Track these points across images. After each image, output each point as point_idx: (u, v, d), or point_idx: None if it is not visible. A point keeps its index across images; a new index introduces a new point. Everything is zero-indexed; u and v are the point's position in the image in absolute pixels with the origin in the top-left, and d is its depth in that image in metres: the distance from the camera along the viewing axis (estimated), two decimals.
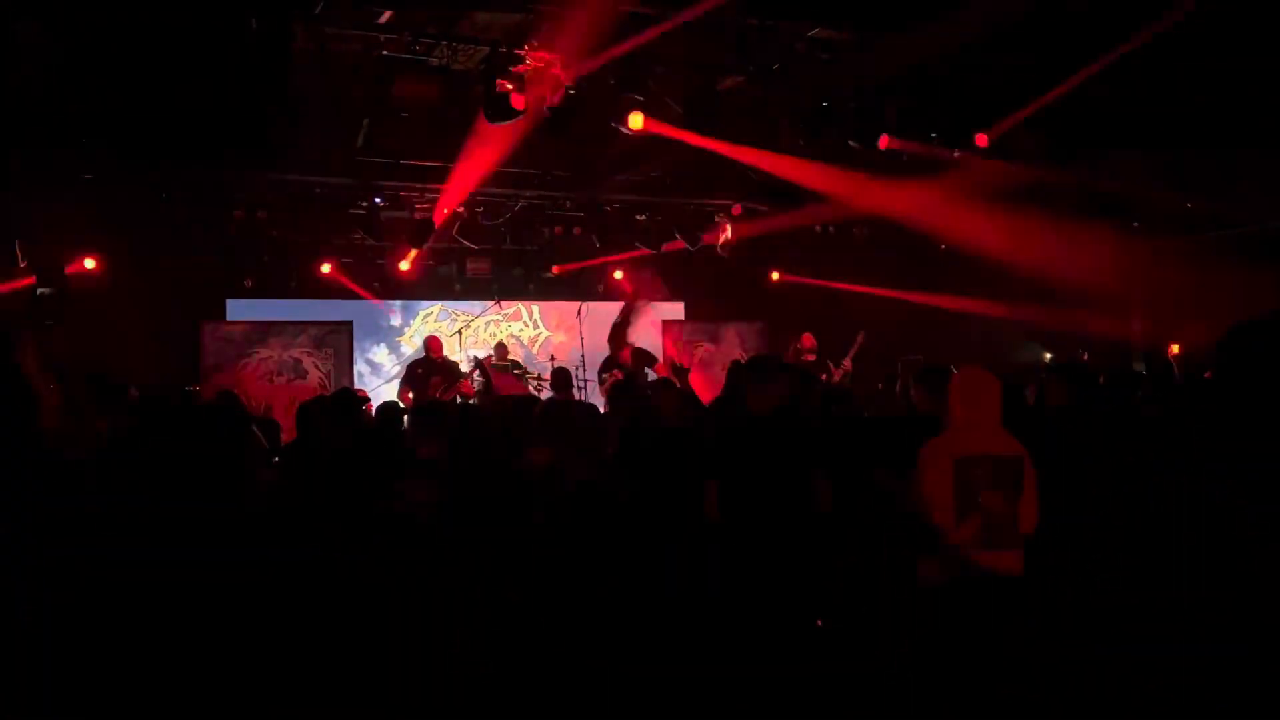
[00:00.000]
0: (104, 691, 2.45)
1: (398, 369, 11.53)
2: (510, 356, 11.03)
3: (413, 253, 11.26)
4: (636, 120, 7.43)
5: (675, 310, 13.72)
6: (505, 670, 2.77)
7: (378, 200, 10.61)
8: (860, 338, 9.21)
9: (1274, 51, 6.72)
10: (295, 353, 11.33)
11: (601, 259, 12.36)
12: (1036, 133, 8.35)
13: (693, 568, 2.99)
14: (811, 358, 9.40)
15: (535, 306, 13.13)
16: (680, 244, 11.53)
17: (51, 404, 4.81)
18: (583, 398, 9.70)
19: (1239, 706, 1.81)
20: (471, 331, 11.97)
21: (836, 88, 7.89)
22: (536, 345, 13.04)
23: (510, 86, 6.78)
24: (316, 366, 11.39)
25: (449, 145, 8.94)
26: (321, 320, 11.60)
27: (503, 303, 12.28)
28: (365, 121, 8.60)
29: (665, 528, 3.10)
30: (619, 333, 9.23)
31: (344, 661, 2.74)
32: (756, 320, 13.54)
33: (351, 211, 10.76)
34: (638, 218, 11.78)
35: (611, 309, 12.88)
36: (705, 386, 9.62)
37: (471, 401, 9.62)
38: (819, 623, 3.50)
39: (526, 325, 13.14)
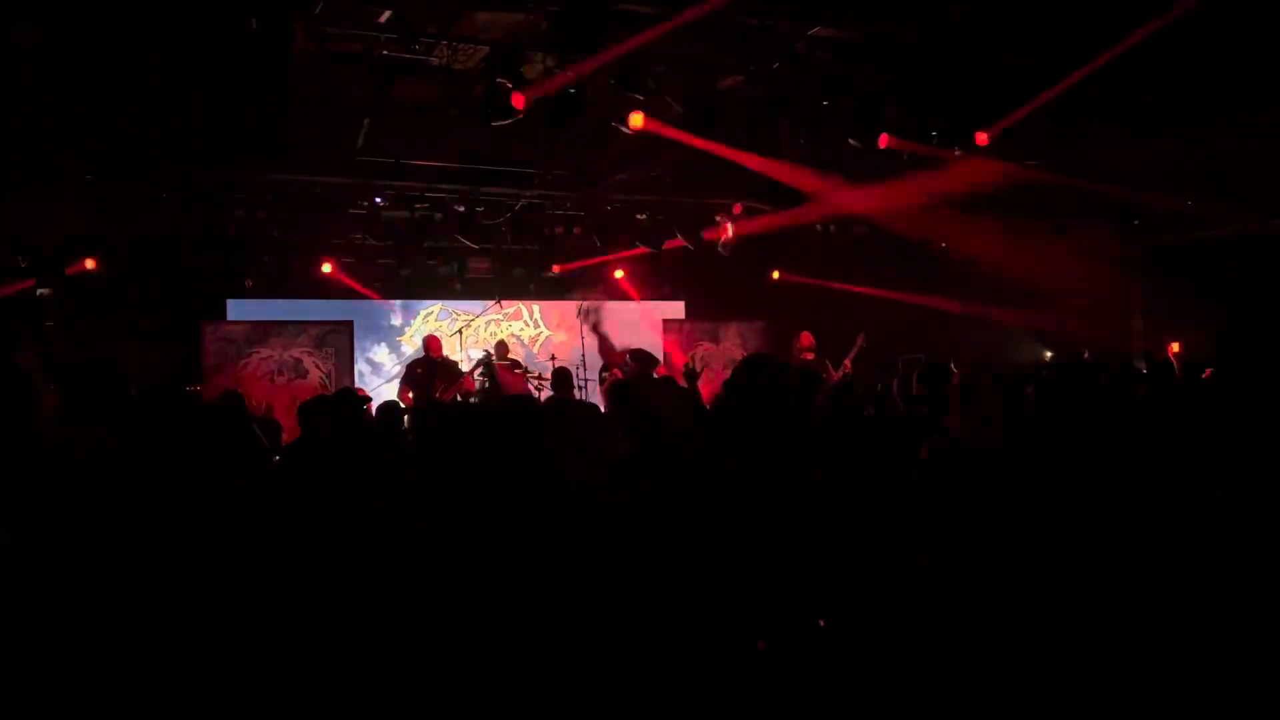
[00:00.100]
0: (104, 691, 2.45)
1: (398, 368, 11.53)
2: (510, 355, 11.04)
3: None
4: (637, 119, 7.44)
5: (676, 309, 13.73)
6: (505, 670, 2.77)
7: (378, 200, 10.62)
8: (860, 339, 9.21)
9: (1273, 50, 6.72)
10: (296, 352, 11.33)
11: (602, 258, 12.38)
12: (1036, 131, 8.35)
13: (693, 568, 2.99)
14: (810, 356, 9.40)
15: (536, 306, 13.13)
16: (680, 242, 11.54)
17: (51, 404, 4.81)
18: (583, 397, 9.71)
19: (1239, 706, 1.81)
20: (472, 331, 11.97)
21: (836, 87, 7.89)
22: (537, 345, 13.05)
23: (509, 86, 6.79)
24: (317, 366, 11.39)
25: (448, 144, 8.97)
26: (322, 320, 11.60)
27: (503, 302, 12.28)
28: (365, 121, 8.61)
29: (665, 528, 3.10)
30: (605, 345, 9.25)
31: (344, 661, 2.74)
32: (757, 319, 13.55)
33: (351, 211, 10.78)
34: (638, 217, 11.79)
35: (612, 308, 12.89)
36: (704, 385, 9.62)
37: (473, 399, 9.62)
38: (820, 623, 3.51)
39: (527, 324, 13.15)
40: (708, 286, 13.29)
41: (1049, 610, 2.39)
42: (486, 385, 9.88)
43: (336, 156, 9.29)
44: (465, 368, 10.28)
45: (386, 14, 6.64)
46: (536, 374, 10.75)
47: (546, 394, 9.22)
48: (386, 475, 4.48)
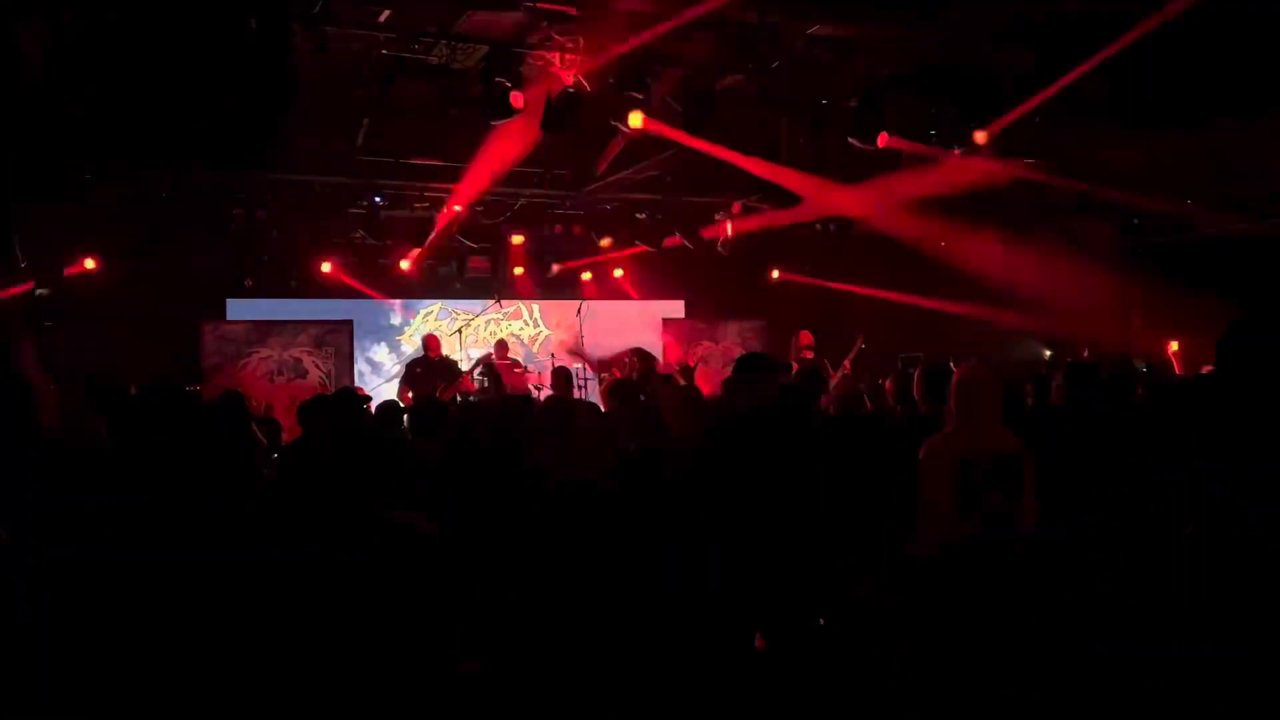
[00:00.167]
0: (104, 691, 2.45)
1: (398, 368, 11.53)
2: (510, 355, 11.04)
3: (414, 251, 11.28)
4: (636, 119, 7.44)
5: (675, 308, 13.73)
6: (505, 670, 2.78)
7: (377, 199, 10.62)
8: (859, 341, 9.20)
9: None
10: (295, 352, 11.33)
11: (601, 257, 12.38)
12: (1035, 130, 8.35)
13: (693, 568, 3.00)
14: (810, 355, 9.41)
15: (535, 305, 13.13)
16: (679, 241, 11.54)
17: (50, 404, 4.81)
18: (583, 396, 9.71)
19: (1239, 706, 1.81)
20: (472, 330, 11.97)
21: (836, 86, 7.89)
22: (537, 344, 13.04)
23: (509, 85, 6.79)
24: (317, 366, 11.40)
25: (448, 144, 8.96)
26: (322, 319, 11.61)
27: (503, 301, 12.28)
28: (365, 121, 8.61)
29: (665, 528, 3.11)
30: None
31: (344, 661, 2.74)
32: (757, 318, 13.55)
33: (351, 211, 10.77)
34: (638, 216, 11.79)
35: (612, 307, 12.91)
36: (703, 383, 9.63)
37: (472, 399, 9.62)
38: (820, 622, 3.51)
39: (527, 324, 13.15)
40: (707, 285, 13.29)
41: (1049, 610, 2.39)
42: (486, 385, 9.88)
43: (336, 156, 9.29)
44: (465, 367, 10.28)
45: (386, 14, 6.64)
46: (537, 373, 10.75)
47: (547, 393, 9.22)
48: (386, 475, 4.48)
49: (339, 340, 11.48)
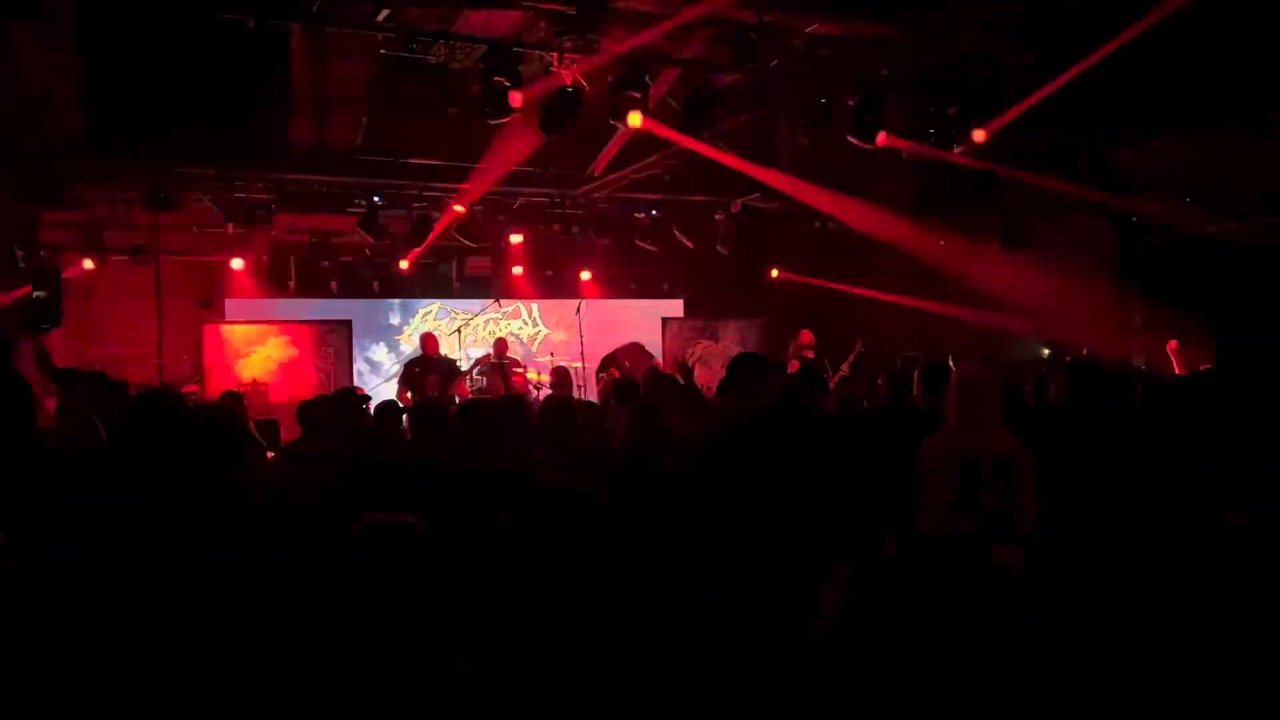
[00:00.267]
0: (104, 691, 2.45)
1: (397, 368, 11.52)
2: (510, 354, 11.03)
3: (413, 250, 11.28)
4: (635, 118, 7.43)
5: (675, 307, 13.72)
6: (505, 670, 2.77)
7: (376, 199, 10.61)
8: (859, 345, 9.19)
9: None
10: (294, 352, 11.32)
11: (600, 255, 12.38)
12: (1034, 129, 8.34)
13: (693, 568, 3.00)
14: (810, 355, 9.41)
15: (534, 304, 13.12)
16: (679, 240, 11.55)
17: (49, 405, 4.81)
18: (582, 395, 9.71)
19: (1239, 706, 1.81)
20: (471, 330, 11.96)
21: (835, 84, 7.88)
22: (536, 343, 13.04)
23: (508, 84, 6.79)
24: (316, 366, 11.39)
25: (447, 143, 8.96)
26: (321, 319, 11.60)
27: (502, 300, 12.28)
28: (364, 120, 8.61)
29: (666, 528, 3.10)
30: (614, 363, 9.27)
31: (343, 661, 2.74)
32: (756, 317, 13.54)
33: (350, 210, 10.77)
34: (637, 215, 11.79)
35: (611, 306, 12.90)
36: (703, 383, 9.63)
37: (470, 399, 9.62)
38: (817, 622, 3.52)
39: (526, 323, 13.14)
40: (706, 284, 13.29)
41: (1049, 610, 2.39)
42: (484, 386, 9.88)
43: (335, 155, 9.29)
44: (464, 366, 10.27)
45: (384, 12, 6.63)
46: (536, 372, 10.75)
47: (546, 393, 9.22)
48: (385, 475, 4.48)
49: (338, 340, 11.46)
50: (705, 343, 13.26)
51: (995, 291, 10.76)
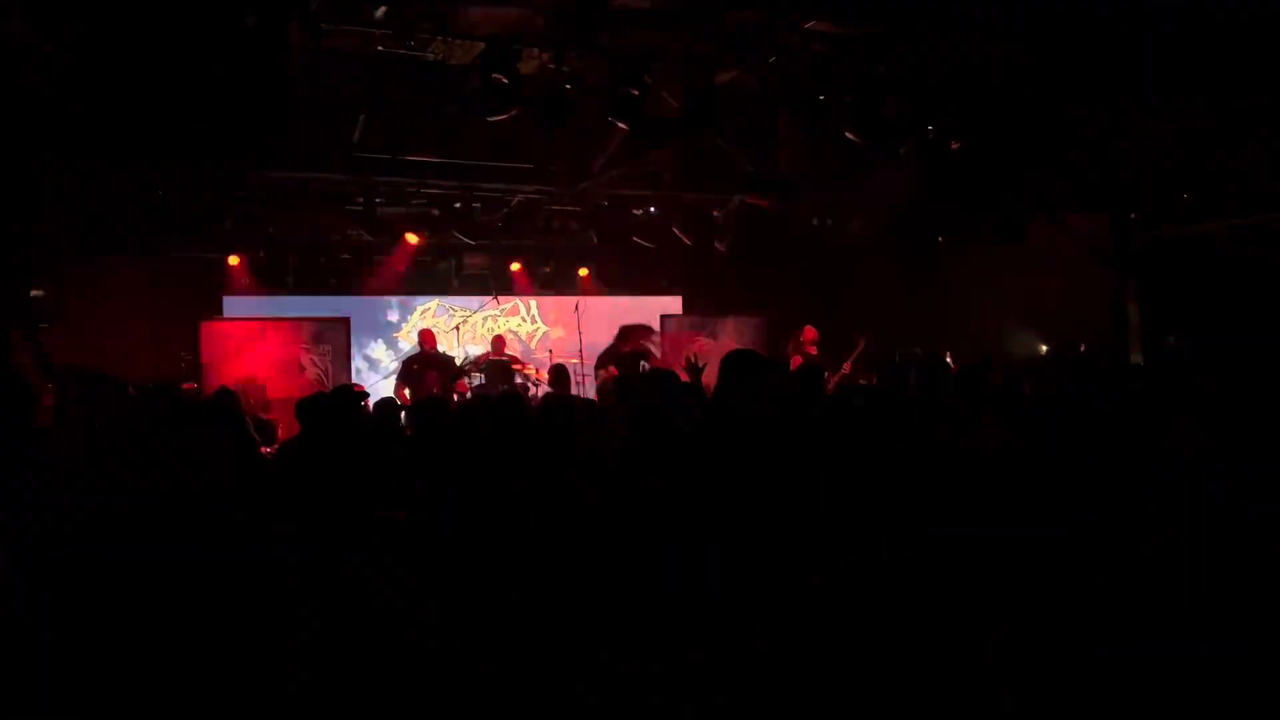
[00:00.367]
0: (103, 691, 2.45)
1: (395, 365, 11.53)
2: (508, 351, 11.04)
3: (411, 248, 11.27)
4: (633, 115, 7.43)
5: (673, 304, 13.72)
6: (505, 670, 2.77)
7: (376, 200, 10.61)
8: (861, 343, 9.18)
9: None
10: (292, 349, 11.31)
11: (596, 252, 12.38)
12: (1030, 124, 8.35)
13: (693, 568, 3.00)
14: (814, 351, 9.41)
15: (533, 301, 13.12)
16: (678, 237, 11.54)
17: (47, 403, 4.80)
18: (581, 393, 9.71)
19: (1239, 706, 1.82)
20: (469, 327, 11.96)
21: (834, 81, 7.88)
22: (534, 340, 13.04)
23: (505, 81, 6.78)
24: (314, 363, 11.38)
25: (445, 140, 8.94)
26: (318, 316, 11.59)
27: (500, 298, 12.27)
28: (361, 117, 8.59)
29: (665, 528, 3.10)
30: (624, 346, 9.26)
31: (344, 661, 2.73)
32: (754, 315, 13.55)
33: (348, 207, 10.76)
34: (635, 212, 11.78)
35: (609, 302, 12.90)
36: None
37: (470, 396, 9.62)
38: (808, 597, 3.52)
39: (524, 320, 13.14)
40: (705, 281, 13.29)
41: (1049, 610, 2.40)
42: (483, 383, 9.88)
43: (333, 152, 9.27)
44: (461, 363, 10.27)
45: (382, 10, 6.62)
46: (534, 369, 10.75)
47: (544, 390, 9.22)
48: (385, 473, 4.47)
49: (336, 337, 11.45)
50: (703, 340, 13.27)
51: (992, 288, 10.78)
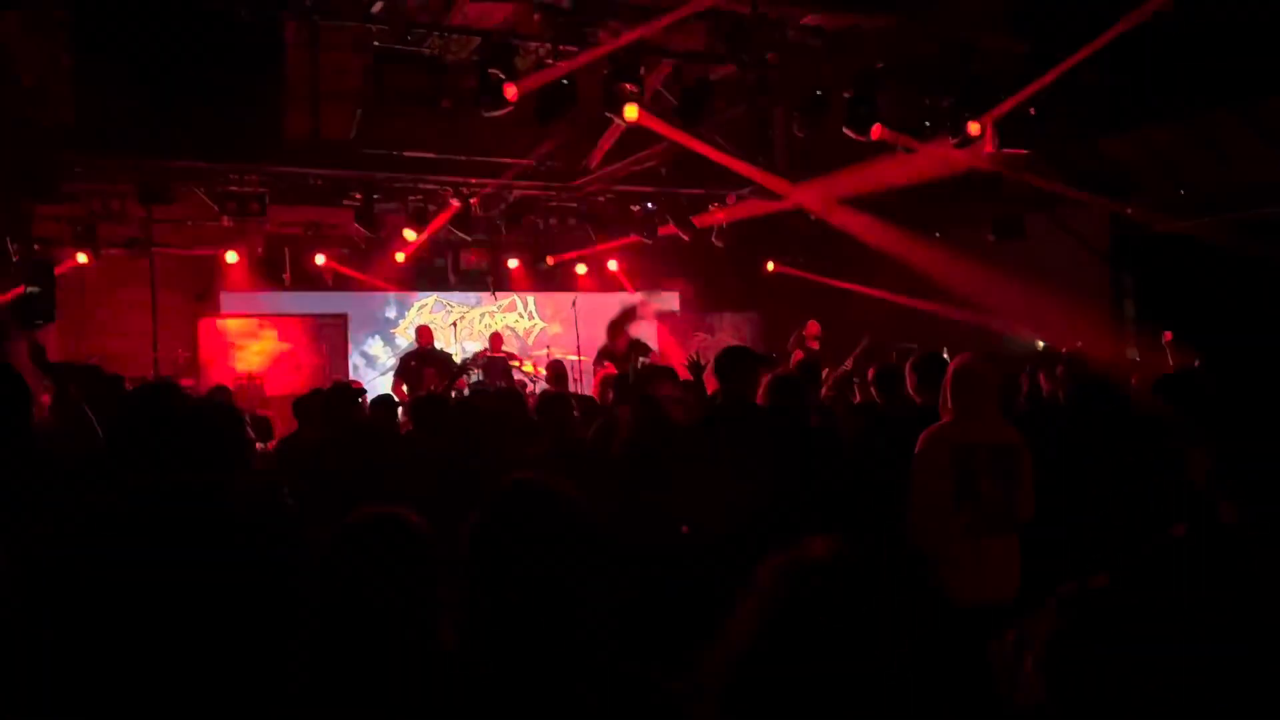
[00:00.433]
0: (103, 691, 2.44)
1: (393, 361, 11.53)
2: (505, 347, 11.03)
3: (408, 244, 11.24)
4: (631, 111, 7.40)
5: (670, 300, 13.72)
6: (505, 670, 2.77)
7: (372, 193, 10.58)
8: (865, 340, 9.15)
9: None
10: (290, 346, 11.30)
11: (595, 249, 12.36)
12: (1028, 120, 8.32)
13: (693, 568, 3.00)
14: (816, 345, 9.41)
15: (530, 298, 13.11)
16: (674, 231, 11.52)
17: (44, 400, 4.79)
18: (579, 390, 9.71)
19: (1239, 706, 1.81)
20: (466, 323, 11.95)
21: (830, 76, 7.86)
22: (532, 336, 13.03)
23: (502, 77, 6.76)
24: (311, 359, 11.37)
25: (442, 137, 8.92)
26: (316, 313, 11.58)
27: (498, 294, 12.27)
28: (358, 113, 8.57)
29: (665, 527, 3.11)
30: (617, 328, 9.20)
31: (344, 661, 2.73)
32: (751, 311, 13.55)
33: (345, 204, 10.74)
34: (632, 208, 11.77)
35: (607, 300, 12.89)
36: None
37: (467, 393, 9.61)
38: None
39: (522, 316, 13.13)
40: (702, 277, 13.29)
41: (1049, 609, 2.39)
42: (481, 379, 9.88)
43: (329, 149, 9.24)
44: (459, 360, 10.26)
45: (378, 4, 6.60)
46: (532, 366, 10.75)
47: (542, 386, 9.22)
48: (382, 470, 4.47)
49: (333, 334, 11.45)
50: (701, 336, 13.27)
51: (988, 285, 10.78)
